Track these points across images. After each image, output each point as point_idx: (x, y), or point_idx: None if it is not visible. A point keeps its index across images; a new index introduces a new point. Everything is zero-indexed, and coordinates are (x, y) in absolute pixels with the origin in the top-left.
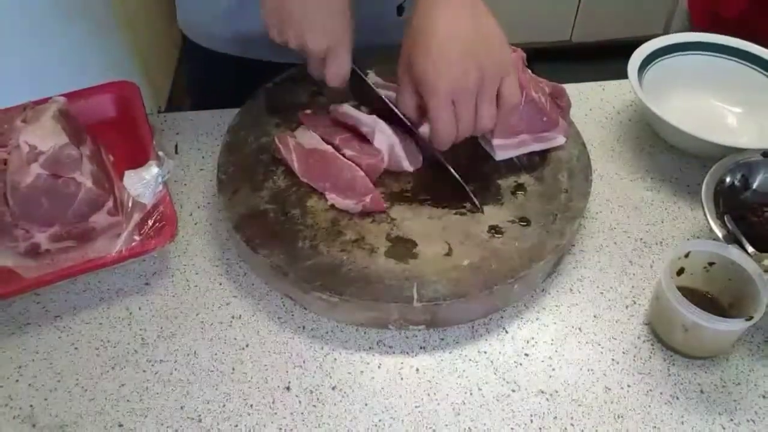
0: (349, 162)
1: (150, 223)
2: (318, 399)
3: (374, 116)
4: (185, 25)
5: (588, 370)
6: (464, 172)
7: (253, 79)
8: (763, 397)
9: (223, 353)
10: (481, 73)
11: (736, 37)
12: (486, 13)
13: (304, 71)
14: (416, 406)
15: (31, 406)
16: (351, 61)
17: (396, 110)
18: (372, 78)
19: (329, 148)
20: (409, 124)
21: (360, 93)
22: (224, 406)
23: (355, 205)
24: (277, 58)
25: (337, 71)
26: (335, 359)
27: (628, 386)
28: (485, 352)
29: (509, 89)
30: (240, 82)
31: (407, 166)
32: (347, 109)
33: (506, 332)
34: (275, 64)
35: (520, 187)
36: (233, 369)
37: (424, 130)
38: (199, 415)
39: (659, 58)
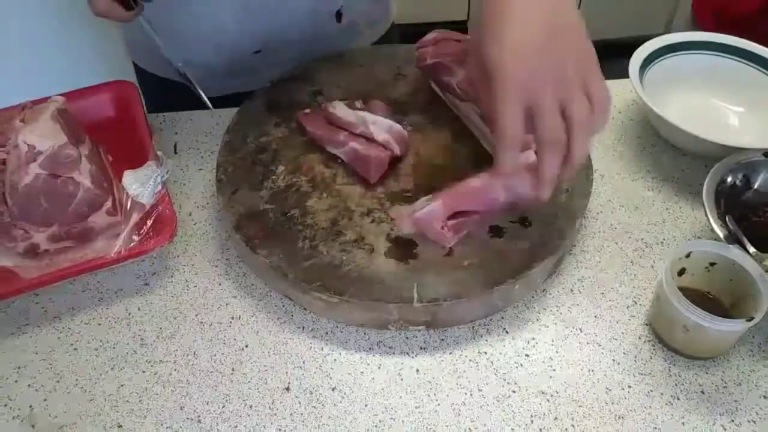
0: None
1: (149, 223)
2: (318, 400)
3: (363, 113)
4: (138, 54)
5: (588, 371)
6: (464, 171)
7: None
8: (764, 397)
9: (222, 354)
10: (564, 64)
11: (742, 37)
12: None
13: (304, 71)
14: (416, 407)
15: (30, 406)
16: None
17: None
18: (341, 109)
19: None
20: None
21: None
22: (224, 406)
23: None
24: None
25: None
26: (335, 360)
27: (629, 387)
28: (485, 353)
29: (597, 84)
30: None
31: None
32: (339, 109)
33: (507, 333)
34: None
35: None
36: (233, 370)
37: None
38: (199, 416)
39: (660, 58)
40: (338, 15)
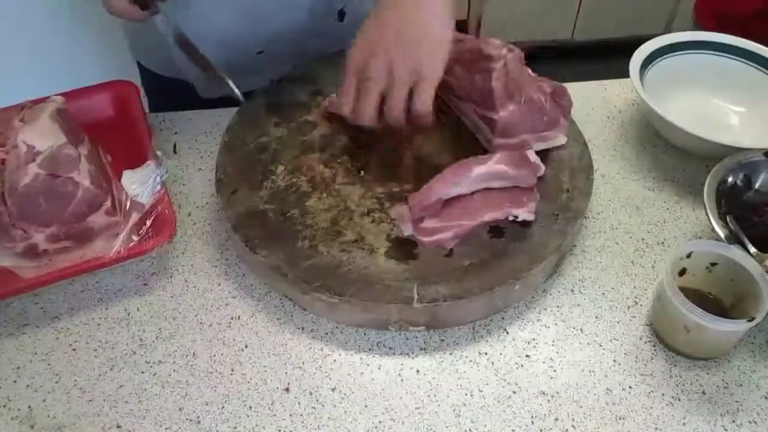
0: None
1: (148, 223)
2: (317, 400)
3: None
4: (144, 58)
5: (589, 371)
6: None
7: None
8: (765, 398)
9: (222, 354)
10: (389, 66)
11: (744, 38)
12: (440, 15)
13: (303, 71)
14: (416, 408)
15: (29, 407)
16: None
17: None
18: None
19: None
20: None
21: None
22: (223, 407)
23: None
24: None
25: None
26: (335, 360)
27: (630, 387)
28: (486, 353)
29: (420, 96)
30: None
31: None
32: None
33: (507, 333)
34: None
35: None
36: (232, 370)
37: None
38: (198, 417)
39: (661, 57)
40: (341, 14)
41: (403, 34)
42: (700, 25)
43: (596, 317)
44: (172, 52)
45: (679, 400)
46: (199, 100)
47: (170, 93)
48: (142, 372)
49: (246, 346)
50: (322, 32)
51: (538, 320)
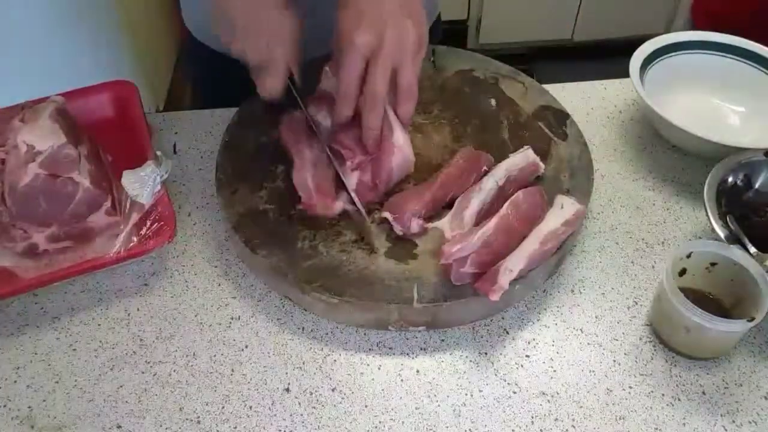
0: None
1: (148, 223)
2: (317, 401)
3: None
4: (193, 25)
5: (589, 372)
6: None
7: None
8: (765, 398)
9: (222, 354)
10: (379, 41)
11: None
12: None
13: (303, 71)
14: (416, 408)
15: (29, 407)
16: (286, 77)
17: (317, 132)
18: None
19: None
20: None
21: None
22: (223, 407)
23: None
24: None
25: (270, 86)
26: (335, 360)
27: (630, 387)
28: (486, 354)
29: (405, 73)
30: (244, 82)
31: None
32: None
33: (507, 333)
34: None
35: None
36: (232, 370)
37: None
38: (198, 417)
39: (661, 57)
40: None
41: (401, 9)
42: (695, 26)
43: (596, 317)
44: None
45: (679, 400)
46: (238, 80)
47: (219, 67)
48: (142, 372)
49: (246, 346)
50: None
51: (538, 320)
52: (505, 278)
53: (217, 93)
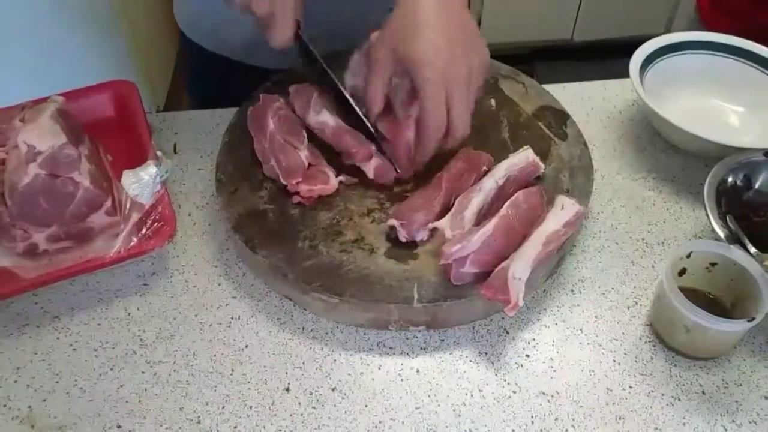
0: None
1: (148, 223)
2: (318, 400)
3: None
4: (187, 26)
5: (589, 371)
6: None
7: (251, 83)
8: (765, 398)
9: (222, 354)
10: (468, 64)
11: (746, 29)
12: (465, 6)
13: (303, 71)
14: (416, 408)
15: (29, 407)
16: (294, 28)
17: (345, 93)
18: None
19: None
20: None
21: (307, 62)
22: (223, 407)
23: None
24: (278, 65)
25: (280, 35)
26: (335, 360)
27: (630, 387)
28: (486, 354)
29: (459, 108)
30: (239, 84)
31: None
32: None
33: (507, 333)
34: (275, 71)
35: None
36: (232, 370)
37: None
38: (198, 417)
39: (661, 57)
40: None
41: (466, 30)
42: (699, 15)
43: (596, 317)
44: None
45: (679, 400)
46: (236, 76)
47: (212, 67)
48: (142, 372)
49: (246, 346)
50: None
51: (538, 320)
52: (516, 290)
53: (208, 92)
